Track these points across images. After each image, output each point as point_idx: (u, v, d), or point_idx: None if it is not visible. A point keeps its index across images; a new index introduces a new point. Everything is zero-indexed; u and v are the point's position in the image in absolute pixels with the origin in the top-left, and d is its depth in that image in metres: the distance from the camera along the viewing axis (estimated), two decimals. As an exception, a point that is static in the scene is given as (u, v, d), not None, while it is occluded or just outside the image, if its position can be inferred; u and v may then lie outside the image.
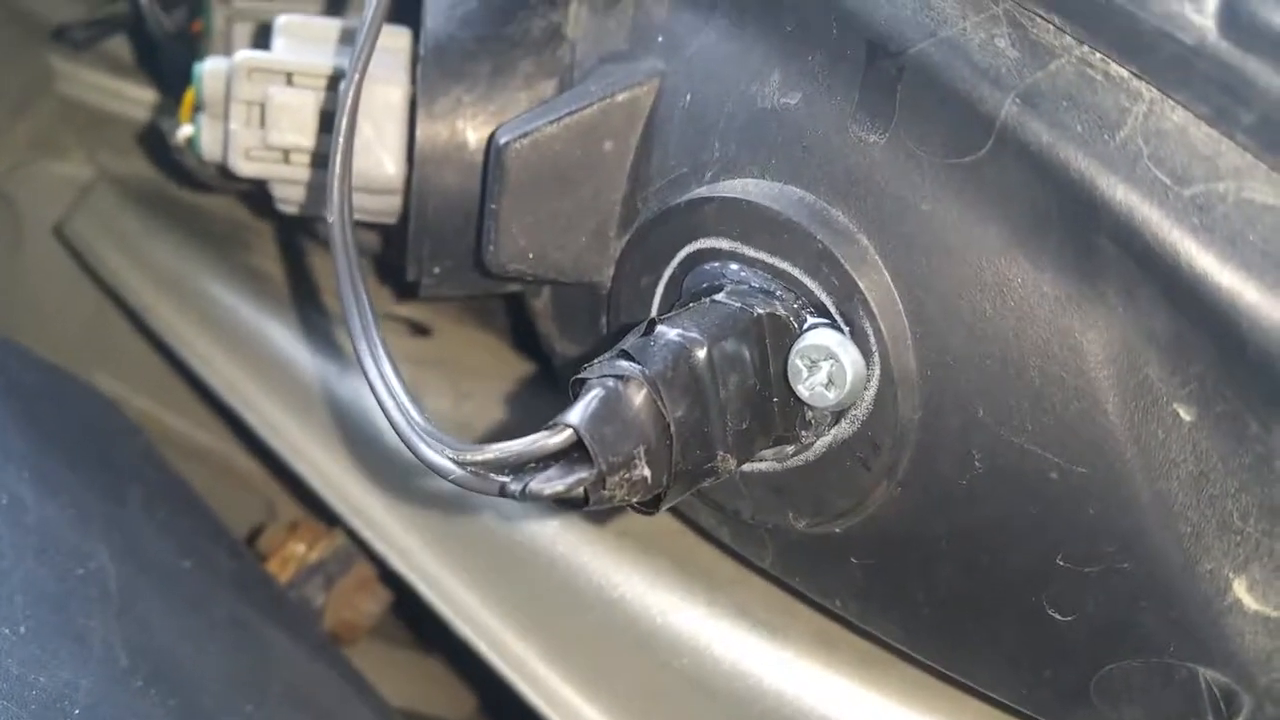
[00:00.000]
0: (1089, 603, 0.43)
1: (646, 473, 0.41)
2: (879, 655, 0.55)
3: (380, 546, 0.64)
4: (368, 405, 0.66)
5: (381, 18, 0.48)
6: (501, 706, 0.85)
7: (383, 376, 0.45)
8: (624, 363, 0.41)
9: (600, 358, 0.42)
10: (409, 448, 0.42)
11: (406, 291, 0.67)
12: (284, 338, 0.71)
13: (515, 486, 0.39)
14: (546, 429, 0.40)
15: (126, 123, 0.84)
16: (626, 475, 0.40)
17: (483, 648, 0.61)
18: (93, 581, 0.53)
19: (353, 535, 0.67)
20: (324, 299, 0.74)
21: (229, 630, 0.56)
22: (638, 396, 0.41)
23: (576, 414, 0.40)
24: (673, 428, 0.41)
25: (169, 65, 0.78)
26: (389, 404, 0.44)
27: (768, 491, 0.49)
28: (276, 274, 0.75)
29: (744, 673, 0.57)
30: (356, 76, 0.47)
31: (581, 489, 0.40)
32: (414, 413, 0.43)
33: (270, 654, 0.57)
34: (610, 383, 0.41)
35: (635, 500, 0.41)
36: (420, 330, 0.72)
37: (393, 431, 0.47)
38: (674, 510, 0.59)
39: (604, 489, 0.40)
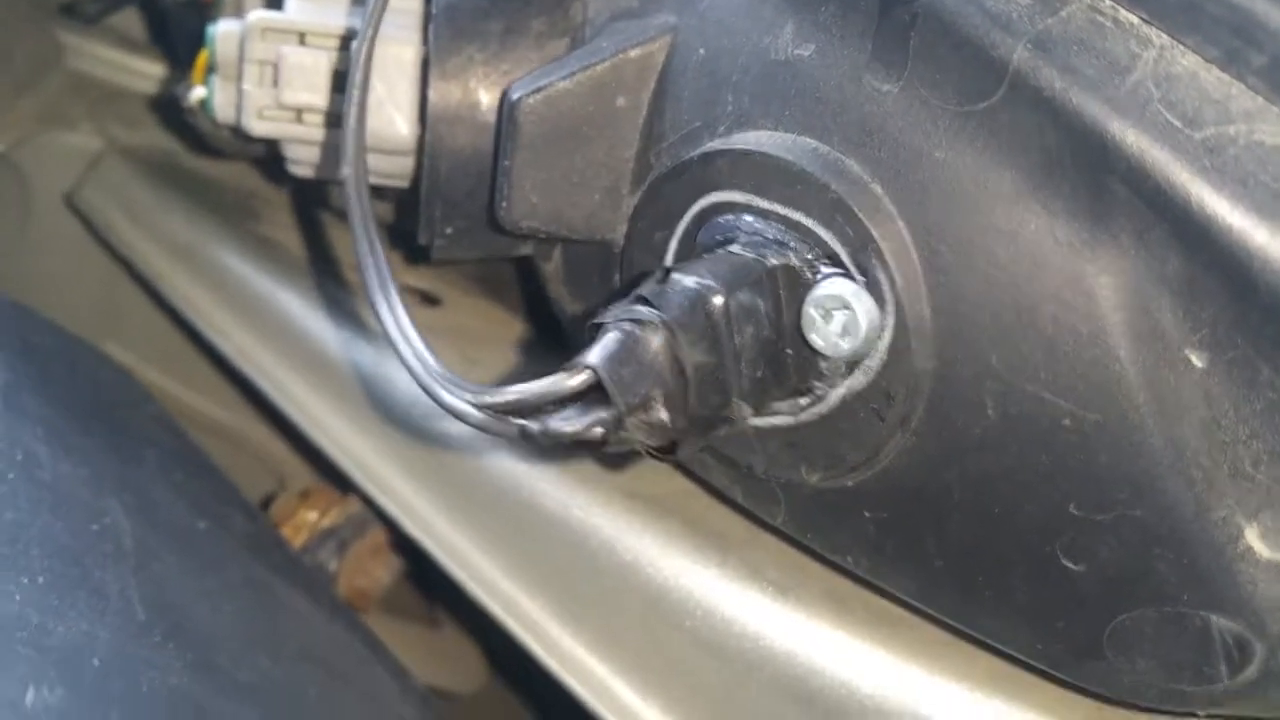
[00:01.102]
0: (1102, 551, 0.44)
1: (664, 416, 0.41)
2: (891, 613, 0.55)
3: (393, 510, 0.64)
4: (381, 370, 0.66)
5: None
6: (513, 680, 0.86)
7: (399, 325, 0.45)
8: (641, 307, 0.42)
9: (617, 303, 0.43)
10: (427, 392, 0.43)
11: (416, 256, 0.67)
12: (296, 305, 0.71)
13: (535, 427, 0.40)
14: (564, 370, 0.40)
15: (136, 96, 0.84)
16: (644, 417, 0.41)
17: (495, 609, 0.61)
18: (108, 537, 0.53)
19: (366, 500, 0.67)
20: (337, 267, 0.74)
21: (244, 590, 0.57)
22: (655, 340, 0.41)
23: (595, 355, 0.40)
24: (689, 372, 0.42)
25: (180, 37, 0.79)
26: (406, 352, 0.44)
27: (781, 446, 0.49)
28: (288, 242, 0.76)
29: (755, 633, 0.57)
30: (370, 33, 0.48)
31: (599, 429, 0.40)
32: (431, 359, 0.44)
33: (286, 614, 0.58)
34: (628, 326, 0.41)
35: (652, 444, 0.42)
36: (430, 300, 0.72)
37: (406, 395, 0.47)
38: (687, 471, 0.59)
39: (622, 430, 0.40)
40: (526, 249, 0.60)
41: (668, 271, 0.44)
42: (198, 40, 0.64)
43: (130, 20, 0.85)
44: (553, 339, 0.71)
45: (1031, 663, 0.49)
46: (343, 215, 0.76)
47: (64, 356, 0.64)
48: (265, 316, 0.72)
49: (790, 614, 0.57)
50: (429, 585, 0.83)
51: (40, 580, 0.48)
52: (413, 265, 0.71)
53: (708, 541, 0.59)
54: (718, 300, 0.43)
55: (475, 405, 0.41)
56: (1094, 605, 0.45)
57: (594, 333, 0.42)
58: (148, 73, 0.84)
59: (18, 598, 0.46)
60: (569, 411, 0.40)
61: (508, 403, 0.40)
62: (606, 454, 0.43)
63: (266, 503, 0.79)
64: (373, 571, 0.74)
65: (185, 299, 0.75)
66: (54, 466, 0.54)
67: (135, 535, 0.54)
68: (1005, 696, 0.52)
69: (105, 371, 0.67)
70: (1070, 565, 0.45)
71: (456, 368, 0.66)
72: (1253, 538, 0.42)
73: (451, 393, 0.42)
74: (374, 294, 0.46)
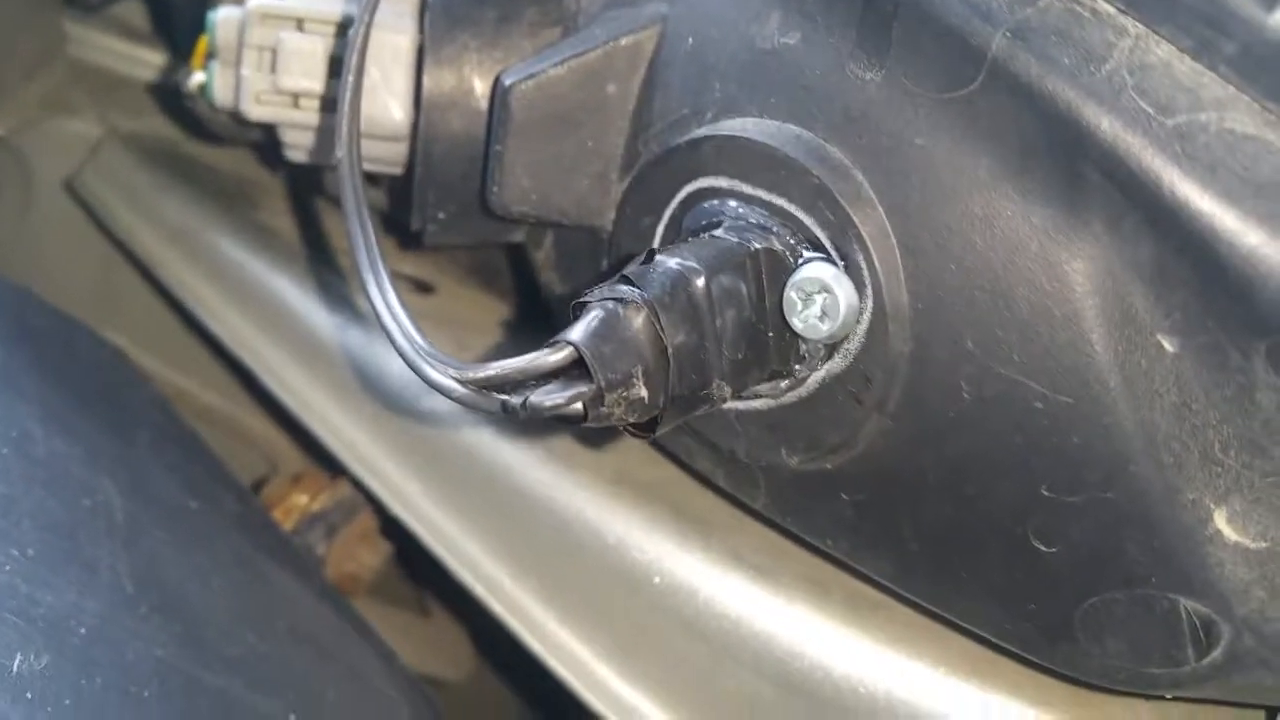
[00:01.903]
0: (1073, 533, 0.44)
1: (644, 393, 0.42)
2: (870, 597, 0.56)
3: (380, 491, 0.65)
4: (373, 354, 0.67)
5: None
6: (500, 667, 0.86)
7: (386, 303, 0.46)
8: (624, 287, 0.43)
9: (601, 284, 0.44)
10: (412, 368, 0.43)
11: (408, 243, 0.68)
12: (291, 291, 0.72)
13: (516, 401, 0.41)
14: (547, 346, 0.41)
15: (138, 84, 0.85)
16: (624, 394, 0.41)
17: (480, 590, 0.62)
18: (100, 513, 0.54)
19: (355, 483, 0.68)
20: (332, 253, 0.75)
21: (234, 568, 0.57)
22: (637, 318, 0.42)
23: (577, 332, 0.41)
24: (670, 351, 0.42)
25: (181, 26, 0.80)
26: (393, 328, 0.45)
27: (762, 429, 0.50)
28: (285, 230, 0.77)
29: (736, 616, 0.58)
30: (366, 19, 0.49)
31: (580, 404, 0.41)
32: (417, 336, 0.44)
33: (275, 592, 0.58)
34: (610, 304, 0.42)
35: (632, 420, 0.43)
36: (423, 288, 0.73)
37: (397, 375, 0.48)
38: (670, 455, 0.60)
39: (602, 405, 0.41)
40: (518, 236, 0.61)
41: (652, 253, 0.44)
42: (199, 28, 0.65)
43: (132, 10, 0.86)
44: (545, 326, 0.72)
45: (1005, 645, 0.50)
46: (338, 202, 0.77)
47: (60, 338, 0.65)
48: (260, 302, 0.73)
49: (771, 597, 0.58)
50: (419, 573, 0.84)
51: (30, 552, 0.48)
52: (406, 252, 0.71)
53: (691, 526, 0.60)
54: (700, 281, 0.43)
55: (458, 380, 0.42)
56: (1065, 587, 0.46)
57: (577, 311, 0.43)
58: (149, 61, 0.85)
59: (8, 568, 0.47)
60: (551, 386, 0.41)
61: (490, 377, 0.41)
62: (587, 431, 0.43)
63: (259, 486, 0.80)
64: (361, 556, 0.75)
65: (181, 284, 0.76)
66: (48, 444, 0.55)
67: (126, 511, 0.54)
68: (981, 679, 0.53)
69: (101, 353, 0.68)
70: (1041, 547, 0.45)
71: (449, 352, 0.68)
72: (1221, 521, 0.43)
73: (435, 368, 0.43)
74: (364, 271, 0.47)
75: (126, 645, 0.48)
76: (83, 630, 0.47)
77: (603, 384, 0.41)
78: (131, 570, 0.52)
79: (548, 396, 0.40)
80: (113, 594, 0.50)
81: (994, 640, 0.51)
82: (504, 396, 0.41)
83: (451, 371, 0.42)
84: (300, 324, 0.71)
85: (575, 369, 0.41)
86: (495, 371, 0.41)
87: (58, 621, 0.47)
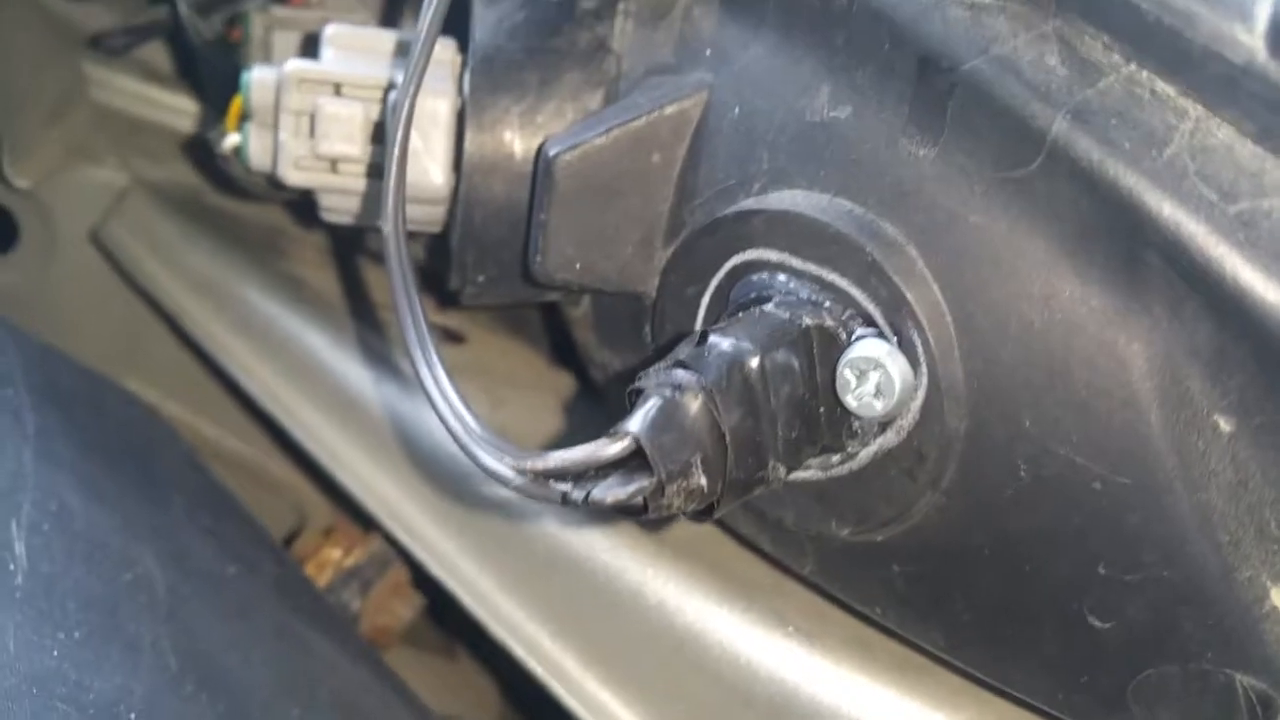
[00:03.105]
0: (1129, 610, 0.44)
1: (703, 481, 0.42)
2: (915, 661, 0.55)
3: (418, 551, 0.65)
4: (406, 409, 0.67)
5: (437, 30, 0.48)
6: (532, 712, 0.86)
7: (438, 385, 0.46)
8: (680, 372, 0.42)
9: (655, 367, 0.43)
10: (468, 455, 0.43)
11: (445, 299, 0.68)
12: (321, 343, 0.72)
13: (578, 495, 0.40)
14: (606, 437, 0.41)
15: (161, 130, 0.85)
16: (684, 484, 0.41)
17: (519, 651, 0.62)
18: (140, 587, 0.53)
19: (390, 540, 0.67)
20: (363, 306, 0.75)
21: (274, 636, 0.57)
22: (694, 405, 0.42)
23: (637, 422, 0.41)
24: (728, 436, 0.42)
25: (207, 73, 0.79)
26: (446, 413, 0.44)
27: (811, 500, 0.50)
28: (314, 281, 0.76)
29: (780, 679, 0.57)
30: (413, 87, 0.48)
31: (641, 497, 0.40)
32: (471, 420, 0.44)
33: (315, 659, 0.58)
34: (668, 392, 0.42)
35: (691, 509, 0.42)
36: (454, 338, 0.73)
37: (432, 436, 0.47)
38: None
39: (662, 497, 0.41)
40: (555, 295, 0.60)
41: (705, 334, 0.44)
42: (224, 77, 0.64)
43: (155, 53, 0.86)
44: (577, 377, 0.71)
45: (1056, 714, 0.50)
46: (371, 254, 0.77)
47: (91, 398, 0.64)
48: (291, 354, 0.72)
49: (815, 660, 0.57)
50: (446, 617, 0.84)
51: (76, 635, 0.48)
52: (442, 309, 0.71)
53: (733, 586, 0.60)
54: (754, 362, 0.43)
55: (515, 469, 0.42)
56: (1119, 661, 0.46)
57: (633, 398, 0.42)
58: (173, 106, 0.85)
59: (55, 653, 0.47)
60: (612, 480, 0.40)
61: (549, 469, 0.41)
62: (646, 519, 0.43)
63: (289, 538, 0.79)
64: (395, 609, 0.74)
65: (210, 336, 0.75)
66: (86, 515, 0.54)
67: (166, 583, 0.54)
68: (1030, 746, 0.53)
69: (132, 411, 0.67)
70: (1097, 623, 0.45)
71: (483, 408, 0.67)
72: (1277, 598, 0.42)
73: (491, 455, 0.42)
74: (414, 350, 0.46)
75: (175, 727, 0.48)
76: (132, 715, 0.47)
77: (664, 476, 0.40)
78: (174, 646, 0.52)
79: (610, 491, 0.40)
80: (158, 674, 0.50)
81: (1045, 709, 0.50)
82: (564, 488, 0.41)
83: (509, 460, 0.42)
84: (332, 377, 0.70)
85: (634, 459, 0.41)
86: (555, 464, 0.41)
87: (107, 707, 0.46)
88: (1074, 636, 0.46)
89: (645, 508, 0.41)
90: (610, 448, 0.40)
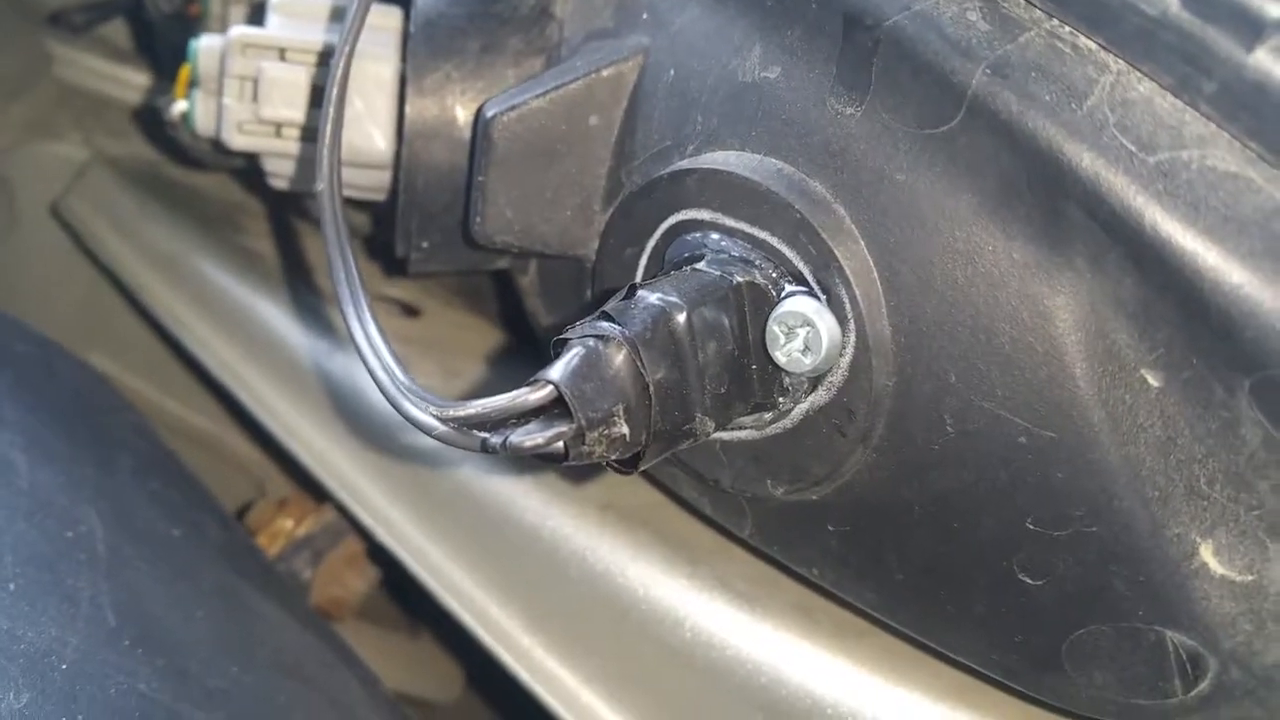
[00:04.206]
0: (1059, 567, 0.44)
1: (625, 430, 0.42)
2: (856, 625, 0.55)
3: (368, 519, 0.65)
4: (358, 381, 0.67)
5: (372, -8, 0.49)
6: (488, 688, 0.86)
7: (368, 338, 0.46)
8: (605, 324, 0.43)
9: (582, 320, 0.43)
10: (393, 405, 0.43)
11: (395, 269, 0.68)
12: (276, 316, 0.72)
13: (496, 440, 0.40)
14: (528, 385, 0.41)
15: (123, 106, 0.85)
16: (605, 432, 0.41)
17: (467, 618, 0.62)
18: (82, 544, 0.53)
19: (342, 510, 0.68)
20: (315, 279, 0.75)
21: (217, 597, 0.57)
22: (618, 356, 0.42)
23: (557, 371, 0.41)
24: (651, 388, 0.42)
25: (165, 48, 0.80)
26: (374, 363, 0.45)
27: (747, 460, 0.50)
28: (268, 254, 0.76)
29: (723, 643, 0.57)
30: (346, 49, 0.48)
31: (561, 443, 0.41)
32: (399, 372, 0.44)
33: (258, 622, 0.58)
34: (591, 342, 0.42)
35: (614, 458, 0.42)
36: (410, 311, 0.73)
37: (381, 403, 0.47)
38: (656, 482, 0.60)
39: (583, 444, 0.41)
40: (503, 263, 0.60)
41: (633, 288, 0.44)
42: (183, 52, 0.64)
43: (118, 31, 0.86)
44: (531, 349, 0.72)
45: (992, 675, 0.50)
46: (317, 222, 0.77)
47: (43, 363, 0.65)
48: (245, 327, 0.73)
49: (757, 624, 0.57)
50: (409, 596, 0.84)
51: (11, 587, 0.48)
52: (392, 277, 0.71)
53: (677, 552, 0.60)
54: (681, 317, 0.43)
55: (439, 418, 0.42)
56: (1051, 620, 0.46)
57: (558, 348, 0.42)
58: (135, 83, 0.85)
59: (-10, 605, 0.47)
60: (531, 425, 0.41)
61: (470, 416, 0.41)
62: (569, 467, 0.43)
63: (245, 510, 0.79)
64: (348, 581, 0.74)
65: (166, 310, 0.76)
66: (31, 474, 0.55)
67: (109, 542, 0.54)
68: (968, 708, 0.53)
69: (83, 378, 0.67)
70: (1028, 580, 0.45)
71: (436, 380, 0.68)
72: (1207, 554, 0.43)
73: (416, 405, 0.43)
74: (345, 305, 0.47)
75: (109, 680, 0.48)
76: (64, 666, 0.47)
77: (583, 423, 0.40)
78: (114, 602, 0.52)
79: (528, 436, 0.40)
80: (95, 628, 0.50)
81: (980, 670, 0.50)
82: (484, 434, 0.41)
83: (432, 409, 0.42)
84: (285, 349, 0.71)
85: (557, 407, 0.41)
86: (476, 410, 0.41)
87: (38, 658, 0.46)
88: (1006, 595, 0.46)
89: (566, 454, 0.41)
90: (531, 395, 0.41)
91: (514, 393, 0.41)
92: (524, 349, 0.72)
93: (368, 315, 0.46)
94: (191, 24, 0.74)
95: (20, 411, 0.58)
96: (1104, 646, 0.45)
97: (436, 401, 0.42)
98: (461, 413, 0.41)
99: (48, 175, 0.83)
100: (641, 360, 0.42)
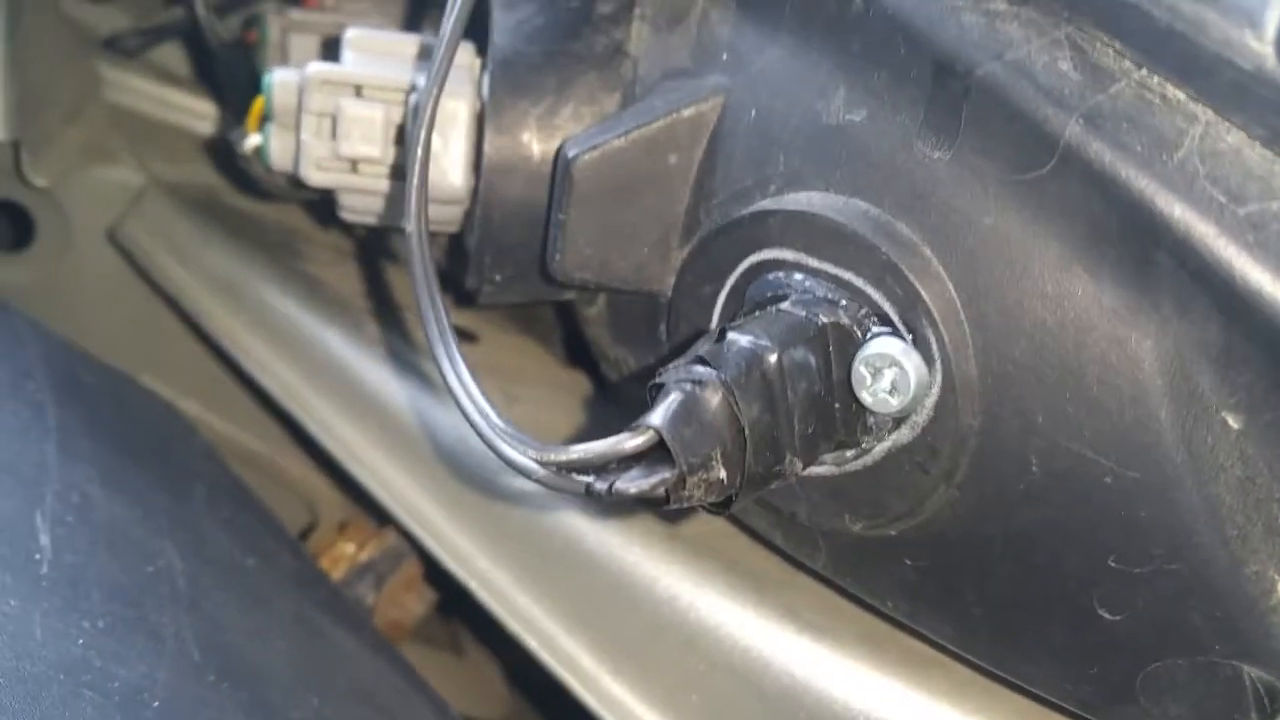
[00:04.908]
0: (1138, 602, 0.45)
1: (722, 474, 0.42)
2: (926, 655, 0.56)
3: (434, 547, 0.65)
4: (422, 406, 0.68)
5: (460, 32, 0.49)
6: (536, 706, 0.87)
7: (461, 381, 0.46)
8: (700, 368, 0.43)
9: (675, 363, 0.44)
10: (492, 449, 0.44)
11: (461, 299, 0.68)
12: (339, 342, 0.72)
13: (601, 486, 0.41)
14: (628, 431, 0.42)
15: (177, 131, 0.85)
16: (704, 476, 0.42)
17: (534, 644, 0.62)
18: (162, 578, 0.54)
19: (405, 534, 0.68)
20: (379, 304, 0.76)
21: (293, 626, 0.58)
22: (714, 399, 0.43)
23: (658, 416, 0.42)
24: (747, 430, 0.43)
25: (223, 74, 0.80)
26: (470, 408, 0.45)
27: (825, 494, 0.51)
28: (330, 280, 0.77)
29: (791, 672, 0.58)
30: (435, 90, 0.49)
31: (663, 489, 0.41)
32: (494, 415, 0.45)
33: (333, 650, 0.59)
34: (688, 386, 0.42)
35: (710, 500, 0.43)
36: (466, 336, 0.74)
37: (448, 432, 0.48)
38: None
39: (683, 489, 0.42)
40: (571, 294, 0.61)
41: (723, 331, 0.45)
42: (240, 78, 0.65)
43: (170, 54, 0.86)
44: (588, 374, 0.72)
45: (1065, 706, 0.51)
46: (387, 254, 0.78)
47: (111, 393, 0.65)
48: (308, 352, 0.73)
49: (826, 654, 0.58)
50: (454, 612, 0.84)
51: (100, 624, 0.49)
52: (459, 308, 0.72)
53: (745, 581, 0.60)
54: (773, 358, 0.44)
55: (538, 462, 0.43)
56: (1128, 653, 0.46)
57: (654, 393, 0.43)
58: (189, 107, 0.86)
59: (81, 642, 0.48)
60: (634, 472, 0.41)
61: (572, 461, 0.42)
62: (667, 510, 0.44)
63: (303, 534, 0.80)
64: (407, 604, 0.75)
65: (227, 334, 0.76)
66: (109, 507, 0.55)
67: (188, 574, 0.55)
68: (1038, 739, 0.54)
69: (151, 406, 0.68)
70: (1106, 615, 0.46)
71: (498, 405, 0.68)
72: (1284, 591, 0.43)
73: (516, 449, 0.43)
74: (436, 348, 0.47)
75: (198, 716, 0.49)
76: (156, 704, 0.47)
77: (685, 468, 0.41)
78: (196, 636, 0.52)
79: (633, 483, 0.41)
80: (181, 662, 0.50)
81: (1054, 700, 0.51)
82: (587, 479, 0.42)
83: (532, 453, 0.43)
84: (348, 375, 0.71)
85: (655, 451, 0.42)
86: (578, 455, 0.42)
87: (132, 695, 0.47)
88: (1083, 629, 0.47)
89: (667, 499, 0.41)
90: (632, 441, 0.41)
91: (615, 438, 0.41)
92: (581, 374, 0.72)
93: (459, 358, 0.47)
94: (249, 50, 0.74)
95: (94, 445, 0.59)
96: (1180, 679, 0.46)
97: (536, 445, 0.43)
98: (563, 457, 0.42)
99: (103, 200, 0.83)
100: (737, 403, 0.43)
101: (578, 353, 0.71)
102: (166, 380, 0.82)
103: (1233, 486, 0.43)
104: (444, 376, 0.46)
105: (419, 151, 0.48)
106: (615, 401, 0.68)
